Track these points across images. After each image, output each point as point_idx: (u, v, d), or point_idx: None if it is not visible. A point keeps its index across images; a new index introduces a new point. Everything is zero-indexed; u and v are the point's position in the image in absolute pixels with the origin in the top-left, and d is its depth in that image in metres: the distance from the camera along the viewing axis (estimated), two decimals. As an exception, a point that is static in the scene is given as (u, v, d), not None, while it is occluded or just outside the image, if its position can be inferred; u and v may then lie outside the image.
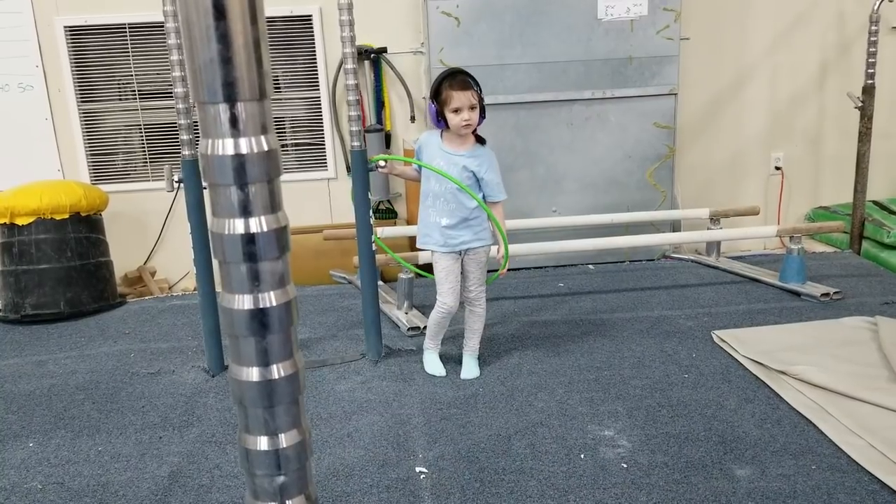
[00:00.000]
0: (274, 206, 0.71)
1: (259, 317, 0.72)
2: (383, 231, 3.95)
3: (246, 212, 0.70)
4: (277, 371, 0.74)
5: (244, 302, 0.72)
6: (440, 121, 2.79)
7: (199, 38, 0.66)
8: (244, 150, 0.68)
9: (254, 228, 0.70)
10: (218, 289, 3.05)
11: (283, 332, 0.74)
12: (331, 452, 2.49)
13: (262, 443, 0.76)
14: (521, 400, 2.79)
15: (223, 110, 0.67)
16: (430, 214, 2.87)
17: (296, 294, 0.75)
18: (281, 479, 0.77)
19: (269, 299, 0.72)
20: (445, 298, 2.91)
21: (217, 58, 0.66)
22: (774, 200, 5.00)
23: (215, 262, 0.73)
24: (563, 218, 4.31)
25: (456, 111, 2.72)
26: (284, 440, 0.76)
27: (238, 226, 0.70)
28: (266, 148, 0.69)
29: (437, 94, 2.75)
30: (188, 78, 0.68)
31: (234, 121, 0.68)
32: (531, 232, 4.25)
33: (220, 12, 0.65)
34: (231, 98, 0.67)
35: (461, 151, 2.81)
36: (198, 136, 0.69)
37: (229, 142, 0.68)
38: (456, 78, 2.74)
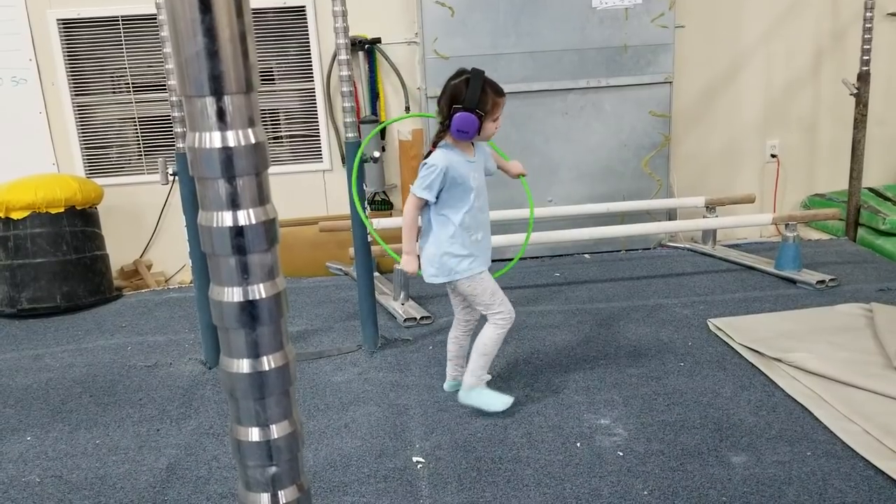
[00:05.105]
0: (262, 198, 0.71)
1: (249, 309, 0.72)
2: (378, 222, 3.95)
3: (234, 205, 0.70)
4: (268, 363, 0.75)
5: (233, 294, 0.72)
6: (470, 132, 2.42)
7: (184, 32, 0.65)
8: (231, 143, 0.68)
9: (242, 221, 0.70)
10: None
11: (273, 323, 0.74)
12: (328, 443, 2.50)
13: (254, 434, 0.76)
14: (518, 389, 2.80)
15: (210, 104, 0.67)
16: (465, 236, 2.51)
17: (285, 286, 0.75)
18: (273, 469, 0.77)
19: (259, 291, 0.72)
20: (508, 305, 2.59)
21: (203, 51, 0.65)
22: (770, 188, 5.01)
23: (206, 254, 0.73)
24: (558, 208, 4.31)
25: (495, 119, 2.48)
26: (276, 431, 0.76)
27: (226, 218, 0.70)
28: (253, 141, 0.69)
29: (480, 103, 2.40)
30: (175, 71, 0.68)
31: (220, 114, 0.67)
32: (527, 222, 4.25)
33: (205, 5, 0.65)
34: (217, 91, 0.67)
35: (475, 156, 2.53)
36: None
37: (216, 135, 0.68)
38: (491, 82, 2.46)
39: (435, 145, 2.50)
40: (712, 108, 4.88)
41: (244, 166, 0.69)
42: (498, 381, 2.87)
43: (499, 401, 2.60)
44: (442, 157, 2.45)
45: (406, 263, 2.53)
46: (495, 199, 4.24)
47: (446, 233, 2.50)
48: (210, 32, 0.65)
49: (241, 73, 0.67)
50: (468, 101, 2.38)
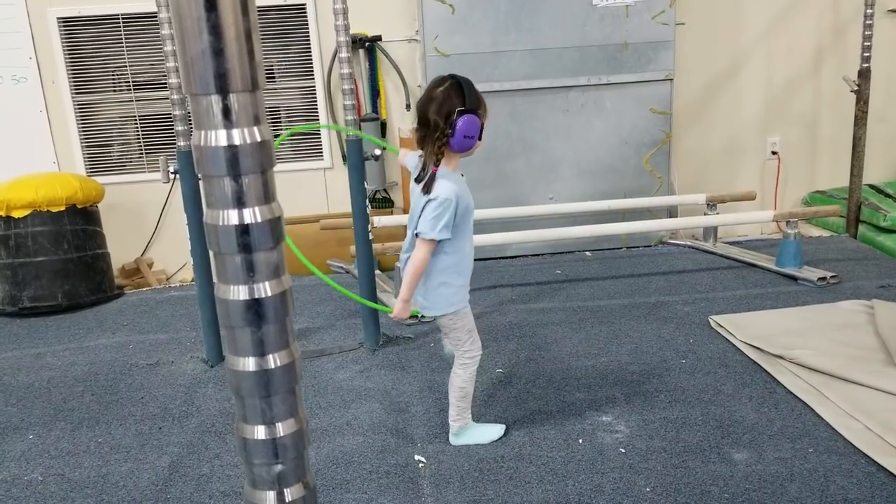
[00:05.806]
0: (268, 196, 0.71)
1: (254, 307, 0.72)
2: (380, 220, 3.95)
3: (240, 203, 0.70)
4: (274, 361, 0.75)
5: (239, 293, 0.72)
6: (475, 137, 2.17)
7: (190, 30, 0.65)
8: (237, 141, 0.68)
9: (248, 219, 0.70)
10: (215, 279, 3.05)
11: (278, 321, 0.74)
12: (330, 441, 2.50)
13: (260, 432, 0.76)
14: (520, 387, 2.80)
15: (215, 102, 0.67)
16: (467, 263, 2.33)
17: (291, 284, 0.75)
18: (279, 467, 0.78)
19: (265, 289, 0.72)
20: (479, 343, 2.41)
21: (209, 49, 0.65)
22: (771, 185, 5.01)
23: (211, 253, 0.74)
24: (559, 205, 4.31)
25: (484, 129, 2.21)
26: (281, 429, 0.77)
27: (232, 217, 0.70)
28: (259, 139, 0.69)
29: (479, 106, 2.16)
30: (180, 69, 0.68)
31: (226, 112, 0.67)
32: (528, 219, 4.26)
33: (211, 3, 0.65)
34: (223, 89, 0.67)
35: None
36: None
37: (222, 133, 0.68)
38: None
39: (437, 166, 2.17)
40: (713, 105, 4.88)
41: (250, 164, 0.69)
42: (498, 374, 2.88)
43: (492, 431, 2.47)
44: (452, 189, 2.16)
45: (402, 311, 2.29)
46: (494, 197, 4.27)
47: (444, 263, 2.25)
48: (216, 30, 0.65)
49: (246, 71, 0.67)
50: (469, 103, 2.12)
